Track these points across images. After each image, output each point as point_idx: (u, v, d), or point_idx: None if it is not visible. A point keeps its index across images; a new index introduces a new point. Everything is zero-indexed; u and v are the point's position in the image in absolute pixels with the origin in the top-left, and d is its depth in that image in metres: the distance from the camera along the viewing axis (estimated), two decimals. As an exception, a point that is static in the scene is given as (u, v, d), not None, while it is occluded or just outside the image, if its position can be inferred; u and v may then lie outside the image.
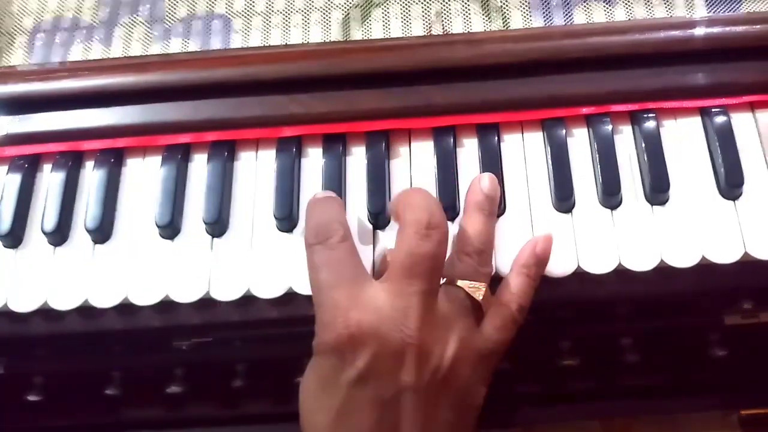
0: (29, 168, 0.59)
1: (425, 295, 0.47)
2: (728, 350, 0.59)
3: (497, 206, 0.54)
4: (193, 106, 0.59)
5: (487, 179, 0.53)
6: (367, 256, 0.54)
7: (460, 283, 0.49)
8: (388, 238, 0.54)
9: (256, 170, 0.58)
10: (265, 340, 0.60)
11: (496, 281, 0.52)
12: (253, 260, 0.55)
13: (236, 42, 0.62)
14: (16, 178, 0.58)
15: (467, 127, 0.58)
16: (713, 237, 0.53)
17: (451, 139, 0.57)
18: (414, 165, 0.57)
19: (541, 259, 0.51)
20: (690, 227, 0.53)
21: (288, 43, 0.62)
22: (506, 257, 0.53)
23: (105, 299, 0.54)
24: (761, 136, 0.56)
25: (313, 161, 0.58)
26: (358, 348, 0.45)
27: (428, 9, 0.62)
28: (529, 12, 0.61)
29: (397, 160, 0.57)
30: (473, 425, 0.49)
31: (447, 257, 0.50)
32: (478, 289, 0.49)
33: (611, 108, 0.57)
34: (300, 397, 0.48)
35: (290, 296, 0.54)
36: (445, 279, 0.50)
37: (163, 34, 0.63)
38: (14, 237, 0.56)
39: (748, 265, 0.53)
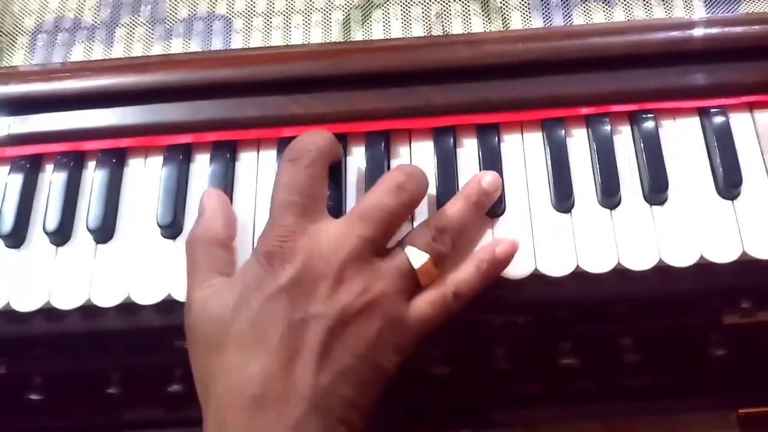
0: (31, 168, 0.59)
1: (365, 240, 0.48)
2: (727, 350, 0.59)
3: (490, 202, 0.54)
4: (195, 107, 0.59)
5: (490, 176, 0.54)
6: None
7: (407, 248, 0.50)
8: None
9: (257, 170, 0.58)
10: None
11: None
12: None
13: (237, 42, 0.62)
14: (18, 179, 0.58)
15: (467, 127, 0.58)
16: (712, 236, 0.53)
17: (451, 140, 0.57)
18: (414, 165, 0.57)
19: (498, 260, 0.51)
20: (688, 227, 0.54)
21: (289, 43, 0.62)
22: (506, 257, 0.53)
23: (107, 298, 0.54)
24: (759, 136, 0.56)
25: (314, 161, 0.58)
26: (285, 264, 0.47)
27: (428, 10, 0.62)
28: (529, 13, 0.62)
29: (397, 161, 0.57)
30: (375, 389, 0.48)
31: (413, 229, 0.51)
32: (420, 258, 0.49)
33: (610, 108, 0.57)
34: (206, 297, 0.49)
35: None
36: (397, 243, 0.51)
37: (165, 34, 0.63)
38: (16, 237, 0.56)
39: (746, 264, 0.53)
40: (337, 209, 0.55)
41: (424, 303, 0.49)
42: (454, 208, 0.52)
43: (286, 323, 0.46)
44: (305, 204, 0.50)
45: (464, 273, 0.51)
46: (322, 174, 0.52)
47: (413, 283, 0.50)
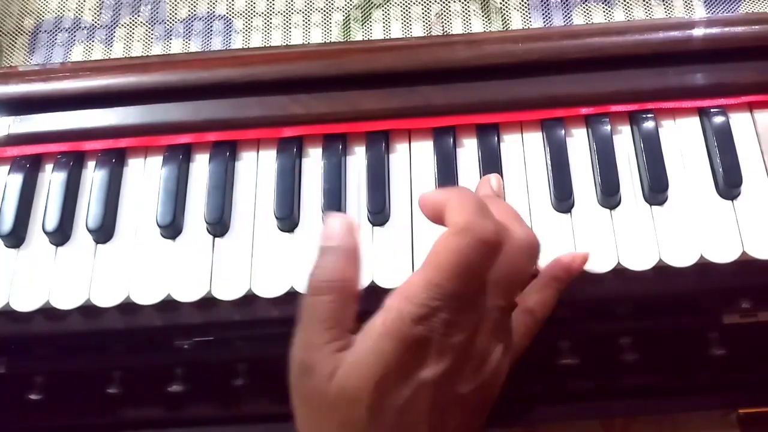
0: (31, 168, 0.59)
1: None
2: (727, 349, 0.59)
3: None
4: (194, 107, 0.59)
5: (494, 180, 0.53)
6: (367, 254, 0.54)
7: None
8: (386, 236, 0.55)
9: (257, 170, 0.58)
10: (267, 340, 0.60)
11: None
12: (254, 260, 0.55)
13: (237, 42, 0.62)
14: (17, 178, 0.58)
15: (467, 127, 0.58)
16: (712, 237, 0.53)
17: (451, 140, 0.57)
18: (414, 165, 0.57)
19: (574, 277, 0.51)
20: (688, 227, 0.54)
21: (289, 43, 0.62)
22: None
23: (107, 298, 0.54)
24: (759, 136, 0.56)
25: (314, 161, 0.58)
26: (438, 356, 0.41)
27: (428, 10, 0.62)
28: (529, 13, 0.62)
29: (397, 160, 0.57)
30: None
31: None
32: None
33: (610, 108, 0.57)
34: (342, 375, 0.41)
35: (291, 295, 0.54)
36: None
37: (165, 34, 0.63)
38: (16, 237, 0.56)
39: (746, 264, 0.53)
40: (336, 209, 0.55)
41: (517, 338, 0.47)
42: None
43: (430, 411, 0.41)
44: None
45: (545, 297, 0.50)
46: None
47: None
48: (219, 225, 0.56)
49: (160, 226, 0.56)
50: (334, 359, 0.41)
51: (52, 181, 0.58)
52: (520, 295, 0.49)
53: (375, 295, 0.53)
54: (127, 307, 0.55)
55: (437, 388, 0.41)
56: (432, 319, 0.40)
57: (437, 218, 0.45)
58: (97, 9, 0.65)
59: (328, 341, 0.42)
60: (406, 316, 0.40)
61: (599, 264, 0.53)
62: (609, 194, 0.54)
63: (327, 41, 0.62)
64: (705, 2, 0.61)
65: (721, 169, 0.54)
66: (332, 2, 0.63)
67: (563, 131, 0.57)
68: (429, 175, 0.57)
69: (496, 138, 0.57)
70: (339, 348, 0.41)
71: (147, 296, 0.54)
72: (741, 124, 0.57)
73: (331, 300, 0.43)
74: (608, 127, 0.57)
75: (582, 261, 0.52)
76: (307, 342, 0.42)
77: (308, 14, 0.63)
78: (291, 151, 0.57)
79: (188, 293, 0.54)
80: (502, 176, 0.55)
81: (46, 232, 0.56)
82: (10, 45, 0.64)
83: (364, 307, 0.54)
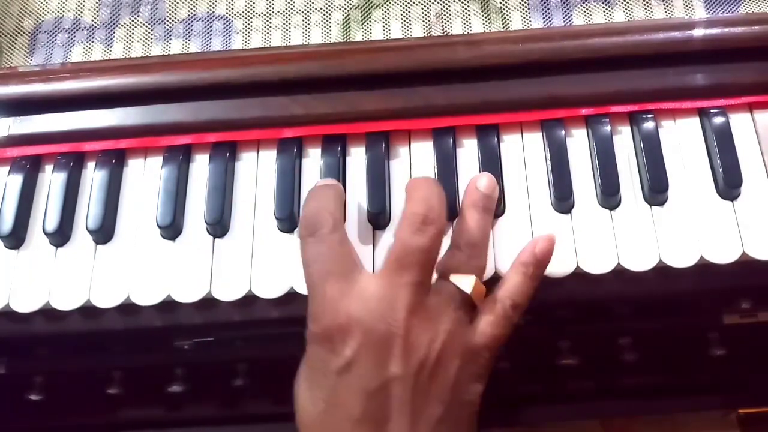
0: (31, 169, 0.59)
1: (414, 287, 0.47)
2: (727, 350, 0.60)
3: (494, 204, 0.54)
4: (194, 107, 0.59)
5: (485, 178, 0.54)
6: (367, 255, 0.54)
7: (451, 277, 0.49)
8: (387, 238, 0.55)
9: (257, 171, 0.58)
10: (266, 340, 0.60)
11: (496, 282, 0.52)
12: (254, 260, 0.55)
13: (237, 43, 0.62)
14: (17, 179, 0.58)
15: (467, 127, 0.58)
16: (712, 237, 0.53)
17: (451, 140, 0.57)
18: (414, 165, 0.57)
19: (541, 260, 0.51)
20: (688, 227, 0.54)
21: (289, 44, 0.62)
22: (506, 257, 0.53)
23: (107, 299, 0.54)
24: (759, 136, 0.56)
25: (314, 162, 0.58)
26: (346, 338, 0.46)
27: (428, 10, 0.62)
28: (529, 13, 0.62)
29: (397, 161, 0.57)
30: (469, 423, 0.49)
31: (444, 254, 0.50)
32: (468, 282, 0.49)
33: (610, 109, 0.57)
34: (294, 390, 0.49)
35: (291, 296, 0.54)
36: (437, 273, 0.50)
37: (164, 35, 0.63)
38: (16, 237, 0.56)
39: (746, 265, 0.53)
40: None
41: (487, 326, 0.49)
42: (469, 220, 0.51)
43: (365, 394, 0.46)
44: (341, 270, 0.48)
45: (513, 282, 0.50)
46: (343, 231, 0.50)
47: (469, 308, 0.49)
48: (219, 225, 0.56)
49: (160, 227, 0.56)
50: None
51: (52, 181, 0.58)
52: (496, 287, 0.51)
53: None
54: (127, 307, 0.55)
55: (358, 370, 0.46)
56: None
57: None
58: (97, 9, 0.64)
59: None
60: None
61: (599, 265, 0.53)
62: (609, 195, 0.54)
63: (327, 41, 0.62)
64: (705, 2, 0.61)
65: (721, 170, 0.54)
66: (332, 2, 0.63)
67: (563, 131, 0.57)
68: (429, 175, 0.56)
69: (496, 138, 0.57)
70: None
71: (147, 297, 0.54)
72: (741, 124, 0.57)
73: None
74: (608, 128, 0.57)
75: (546, 243, 0.51)
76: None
77: (308, 14, 0.63)
78: (291, 152, 0.57)
79: (188, 294, 0.54)
80: (501, 177, 0.56)
81: (46, 233, 0.56)
82: (10, 45, 0.64)
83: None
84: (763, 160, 0.55)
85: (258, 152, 0.58)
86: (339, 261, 0.49)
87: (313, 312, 0.48)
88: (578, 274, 0.53)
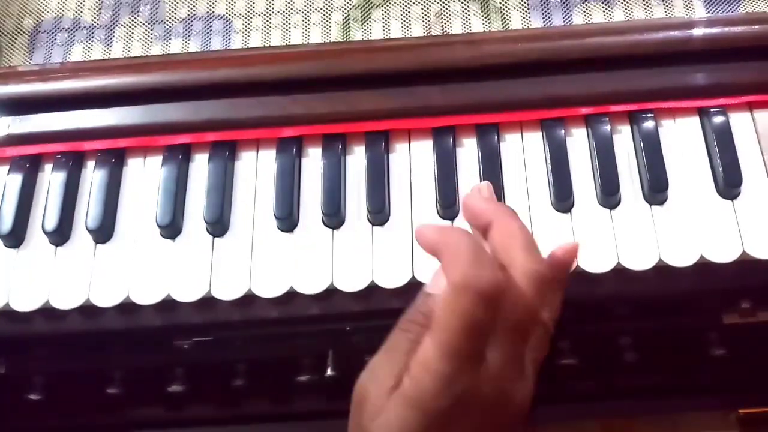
0: (30, 168, 0.59)
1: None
2: (727, 350, 0.59)
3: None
4: (194, 107, 0.59)
5: (485, 186, 0.50)
6: (366, 254, 0.54)
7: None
8: (385, 235, 0.55)
9: (257, 170, 0.58)
10: (266, 340, 0.60)
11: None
12: (253, 260, 0.55)
13: (237, 42, 0.62)
14: (17, 178, 0.58)
15: (467, 127, 0.58)
16: (711, 236, 0.53)
17: (451, 139, 0.57)
18: (413, 165, 0.57)
19: (570, 269, 0.48)
20: (688, 227, 0.53)
21: (288, 43, 0.62)
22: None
23: (106, 298, 0.54)
24: (759, 135, 0.56)
25: (314, 161, 0.58)
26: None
27: (428, 10, 0.62)
28: (528, 13, 0.62)
29: (397, 160, 0.57)
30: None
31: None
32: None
33: (610, 108, 0.57)
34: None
35: (290, 295, 0.54)
36: None
37: (164, 34, 0.63)
38: (16, 237, 0.56)
39: (746, 264, 0.53)
40: (336, 210, 0.55)
41: (534, 353, 0.46)
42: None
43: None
44: None
45: (553, 302, 0.46)
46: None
47: None
48: (218, 225, 0.55)
49: (159, 226, 0.56)
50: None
51: (51, 181, 0.58)
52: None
53: (375, 295, 0.54)
54: (127, 307, 0.55)
55: None
56: (452, 387, 0.40)
57: (434, 255, 0.44)
58: (97, 9, 0.64)
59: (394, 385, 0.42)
60: (426, 390, 0.40)
61: (599, 264, 0.53)
62: (609, 194, 0.54)
63: (326, 41, 0.62)
64: (705, 2, 0.61)
65: (720, 169, 0.54)
66: (332, 2, 0.63)
67: (563, 131, 0.57)
68: (429, 175, 0.56)
69: (495, 138, 0.57)
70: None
71: (147, 296, 0.54)
72: (741, 123, 0.57)
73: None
74: (608, 127, 0.57)
75: (573, 252, 0.48)
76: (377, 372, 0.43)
77: (308, 14, 0.63)
78: (290, 151, 0.57)
79: (188, 293, 0.54)
80: (501, 176, 0.55)
81: (45, 232, 0.56)
82: (10, 45, 0.64)
83: (366, 306, 0.54)
84: (763, 160, 0.55)
85: (258, 151, 0.58)
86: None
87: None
88: (579, 274, 0.53)
